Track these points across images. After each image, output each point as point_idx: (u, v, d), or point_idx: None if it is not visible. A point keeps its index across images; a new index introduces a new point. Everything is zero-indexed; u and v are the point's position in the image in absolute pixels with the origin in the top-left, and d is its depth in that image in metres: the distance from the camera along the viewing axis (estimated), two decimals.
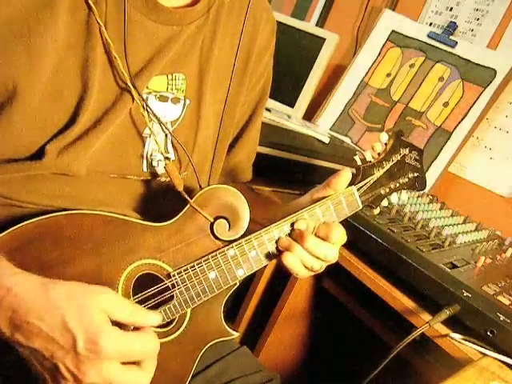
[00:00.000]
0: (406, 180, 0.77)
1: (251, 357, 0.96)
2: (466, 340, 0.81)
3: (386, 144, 0.75)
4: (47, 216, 0.61)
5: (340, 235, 0.69)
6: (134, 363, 0.57)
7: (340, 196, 0.71)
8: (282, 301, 1.21)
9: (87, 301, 0.53)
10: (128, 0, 0.62)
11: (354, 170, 0.73)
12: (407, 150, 0.76)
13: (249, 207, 0.68)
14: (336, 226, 0.69)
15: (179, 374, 0.72)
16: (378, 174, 0.73)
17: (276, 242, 0.69)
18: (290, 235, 0.69)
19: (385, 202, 0.76)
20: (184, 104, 0.73)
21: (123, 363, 0.55)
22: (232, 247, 0.67)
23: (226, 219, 0.68)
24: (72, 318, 0.52)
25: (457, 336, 0.82)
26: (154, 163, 0.72)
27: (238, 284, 0.70)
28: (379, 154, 0.74)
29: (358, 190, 0.72)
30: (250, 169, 0.96)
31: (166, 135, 0.72)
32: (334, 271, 1.00)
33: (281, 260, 0.68)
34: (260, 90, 0.87)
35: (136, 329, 0.58)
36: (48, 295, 0.53)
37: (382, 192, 0.75)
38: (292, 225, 0.69)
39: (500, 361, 0.79)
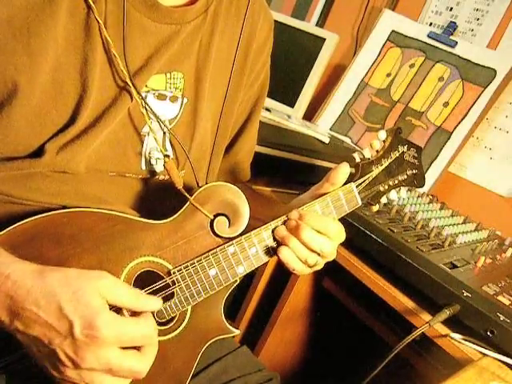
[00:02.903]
0: (405, 177, 0.77)
1: (251, 356, 0.95)
2: (466, 340, 0.81)
3: (384, 141, 0.75)
4: (47, 214, 0.61)
5: (337, 230, 0.69)
6: (134, 348, 0.56)
7: (339, 192, 0.71)
8: (282, 301, 1.21)
9: (84, 286, 0.53)
10: None
11: (353, 169, 0.73)
12: (405, 147, 0.76)
13: (249, 204, 0.68)
14: (333, 219, 0.70)
15: (180, 371, 0.72)
16: (377, 171, 0.74)
17: (275, 239, 0.69)
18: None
19: (384, 199, 0.76)
20: (182, 102, 0.73)
21: (122, 348, 0.55)
22: (232, 244, 0.67)
23: (226, 216, 0.68)
24: (68, 304, 0.52)
25: (457, 336, 0.82)
26: (153, 161, 0.72)
27: (238, 281, 0.70)
28: (378, 152, 0.75)
29: (357, 186, 0.72)
30: (249, 168, 0.96)
31: (164, 133, 0.72)
32: (334, 271, 0.99)
33: (276, 254, 0.68)
34: (258, 88, 0.87)
35: (134, 314, 0.58)
36: (44, 282, 0.53)
37: (381, 189, 0.75)
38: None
39: (500, 361, 0.78)
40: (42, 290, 0.53)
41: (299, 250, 0.67)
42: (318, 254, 0.69)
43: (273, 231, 0.68)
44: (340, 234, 0.70)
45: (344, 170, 0.70)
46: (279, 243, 0.68)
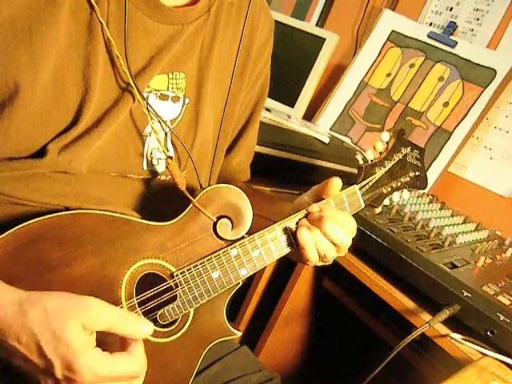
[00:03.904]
0: (408, 179, 0.77)
1: (251, 356, 0.96)
2: (466, 340, 0.81)
3: (387, 143, 0.75)
4: (50, 216, 0.61)
5: (353, 224, 0.69)
6: None
7: (342, 195, 0.71)
8: (282, 301, 1.21)
9: (64, 323, 0.52)
10: None
11: (355, 170, 0.73)
12: (409, 148, 0.76)
13: (252, 204, 0.68)
14: (348, 214, 0.70)
15: (183, 372, 0.72)
16: (380, 173, 0.74)
17: (278, 241, 0.69)
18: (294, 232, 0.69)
19: (386, 201, 0.76)
20: (183, 103, 0.73)
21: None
22: (235, 247, 0.67)
23: (229, 219, 0.68)
24: (48, 345, 0.51)
25: (457, 336, 0.82)
26: (154, 162, 0.72)
27: (241, 283, 0.70)
28: (381, 153, 0.75)
29: (360, 189, 0.72)
30: (249, 168, 0.96)
31: (166, 134, 0.72)
32: (334, 271, 1.00)
33: (297, 237, 0.67)
34: (259, 88, 0.88)
35: (123, 342, 0.57)
36: (24, 318, 0.52)
37: (384, 191, 0.75)
38: (296, 223, 0.69)
39: (500, 361, 0.79)
40: (23, 326, 0.52)
41: (321, 241, 0.67)
42: (335, 247, 0.69)
43: (276, 233, 0.68)
44: (354, 229, 0.70)
45: (336, 186, 0.70)
46: (282, 245, 0.69)
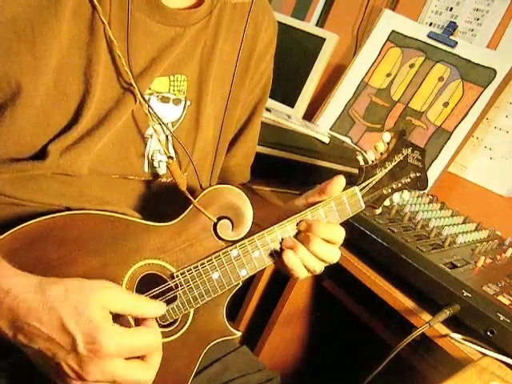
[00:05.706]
0: (408, 180, 0.77)
1: (251, 356, 0.96)
2: (466, 340, 0.81)
3: (388, 143, 0.75)
4: (50, 216, 0.61)
5: (343, 236, 0.70)
6: (139, 357, 0.57)
7: (343, 196, 0.71)
8: (282, 301, 1.21)
9: (85, 299, 0.53)
10: (132, 0, 0.62)
11: (356, 171, 0.73)
12: (410, 149, 0.76)
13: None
14: (338, 226, 0.70)
15: (182, 372, 0.73)
16: (381, 174, 0.74)
17: (280, 243, 0.69)
18: (294, 236, 0.69)
19: (387, 202, 0.76)
20: (185, 105, 0.73)
21: (127, 358, 0.55)
22: (235, 247, 0.67)
23: (230, 219, 0.68)
24: (70, 319, 0.52)
25: (457, 336, 0.82)
26: (155, 164, 0.72)
27: (241, 284, 0.70)
28: (382, 154, 0.74)
29: (361, 190, 0.72)
30: (248, 170, 0.95)
31: (167, 136, 0.72)
32: (334, 271, 1.00)
33: (282, 259, 0.68)
34: (260, 90, 0.87)
35: (137, 323, 0.58)
36: (45, 297, 0.53)
37: (385, 192, 0.75)
38: (295, 225, 0.69)
39: (500, 361, 0.79)
40: (44, 305, 0.52)
41: (308, 259, 0.68)
42: (328, 262, 0.70)
43: (276, 235, 0.68)
44: (342, 238, 0.70)
45: (340, 183, 0.70)
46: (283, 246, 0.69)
